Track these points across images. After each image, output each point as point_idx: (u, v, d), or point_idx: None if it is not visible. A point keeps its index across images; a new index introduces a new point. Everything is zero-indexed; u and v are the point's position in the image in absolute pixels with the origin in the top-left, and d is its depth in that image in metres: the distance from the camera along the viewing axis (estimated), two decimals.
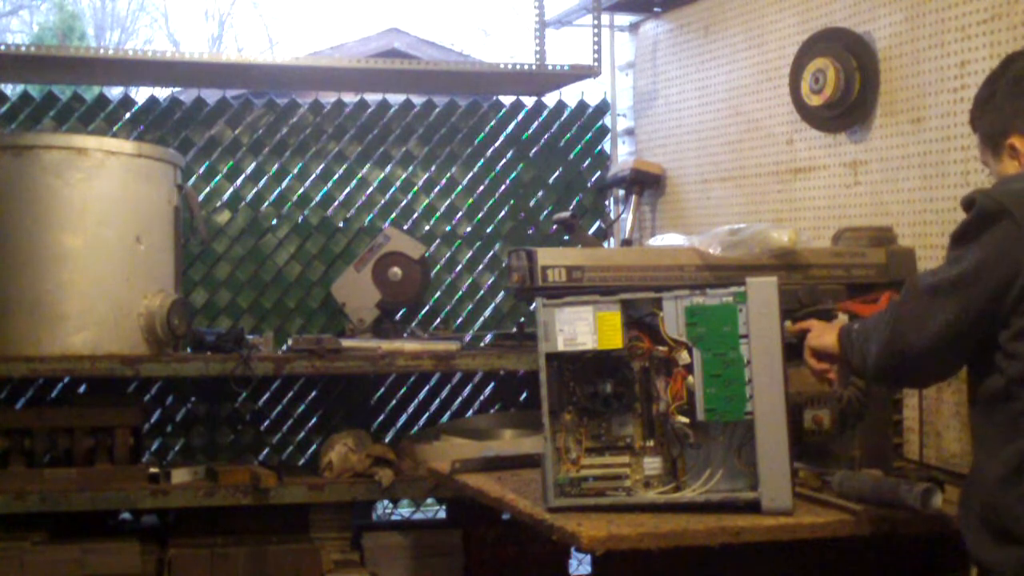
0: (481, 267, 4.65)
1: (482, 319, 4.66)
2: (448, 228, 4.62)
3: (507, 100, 4.76)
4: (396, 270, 4.21)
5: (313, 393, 4.49)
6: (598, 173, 4.77)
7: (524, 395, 4.62)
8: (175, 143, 4.35)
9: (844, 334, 2.32)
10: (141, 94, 4.57)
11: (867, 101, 3.49)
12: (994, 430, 2.03)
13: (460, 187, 4.64)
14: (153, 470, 3.77)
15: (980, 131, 2.23)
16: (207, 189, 4.41)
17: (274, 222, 4.46)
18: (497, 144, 4.70)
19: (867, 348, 2.20)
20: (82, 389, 4.19)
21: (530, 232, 4.69)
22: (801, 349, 2.57)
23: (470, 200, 4.65)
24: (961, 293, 2.03)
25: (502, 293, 4.64)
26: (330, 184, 4.52)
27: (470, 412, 4.59)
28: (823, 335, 2.42)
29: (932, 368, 2.15)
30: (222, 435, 4.39)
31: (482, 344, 4.32)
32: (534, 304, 2.55)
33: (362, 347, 3.87)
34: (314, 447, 4.43)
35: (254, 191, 4.46)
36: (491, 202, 4.68)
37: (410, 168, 4.60)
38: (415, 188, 4.60)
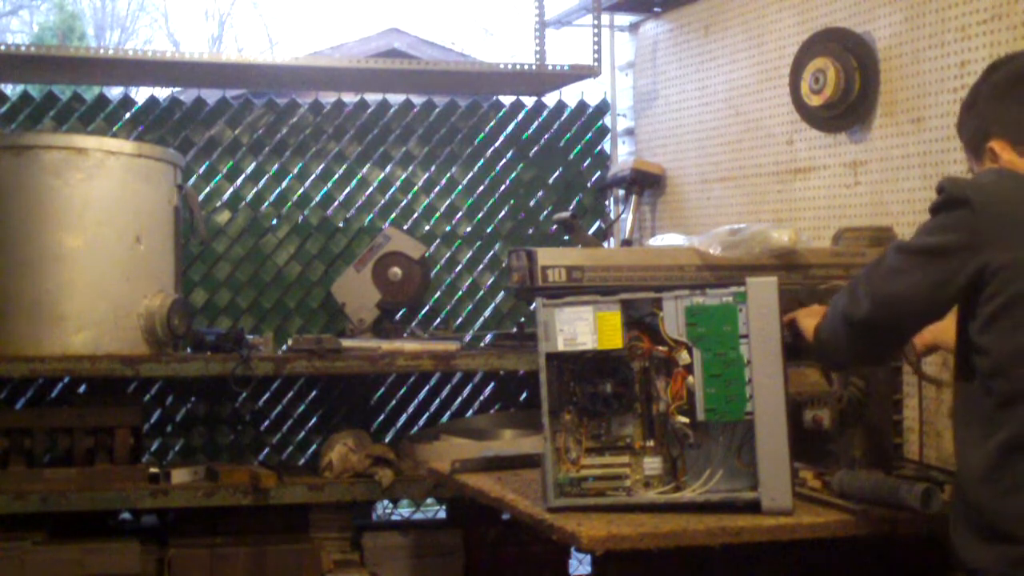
0: (481, 267, 4.65)
1: (482, 319, 4.66)
2: (448, 228, 4.62)
3: (507, 100, 4.76)
4: (396, 270, 4.21)
5: (313, 393, 4.49)
6: (598, 173, 4.77)
7: (524, 395, 4.62)
8: (175, 143, 4.35)
9: (818, 327, 2.36)
10: (141, 94, 4.57)
11: (867, 101, 3.49)
12: (974, 428, 2.04)
13: (460, 187, 4.64)
14: (153, 470, 3.77)
15: (964, 137, 2.26)
16: (207, 189, 4.41)
17: (274, 222, 4.46)
18: (497, 144, 4.70)
19: (836, 323, 2.24)
20: (82, 389, 4.18)
21: (530, 232, 4.69)
22: (801, 349, 2.57)
23: (470, 200, 4.65)
24: (925, 263, 2.07)
25: (502, 293, 4.64)
26: (330, 184, 4.52)
27: (470, 412, 4.59)
28: (808, 318, 2.47)
29: (892, 326, 2.17)
30: (222, 435, 4.39)
31: (482, 344, 4.32)
32: (534, 304, 2.54)
33: (362, 347, 3.87)
34: (314, 447, 4.43)
35: (254, 191, 4.46)
36: (491, 202, 4.68)
37: (410, 168, 4.60)
38: (415, 188, 4.61)
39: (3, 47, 3.98)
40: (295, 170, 4.49)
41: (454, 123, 4.65)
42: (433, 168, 4.62)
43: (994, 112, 2.17)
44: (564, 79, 4.51)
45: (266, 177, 4.47)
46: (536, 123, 4.74)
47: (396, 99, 4.65)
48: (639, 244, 4.55)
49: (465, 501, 3.12)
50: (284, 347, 4.17)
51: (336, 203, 4.53)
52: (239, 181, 4.46)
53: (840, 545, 2.45)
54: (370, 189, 4.55)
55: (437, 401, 4.62)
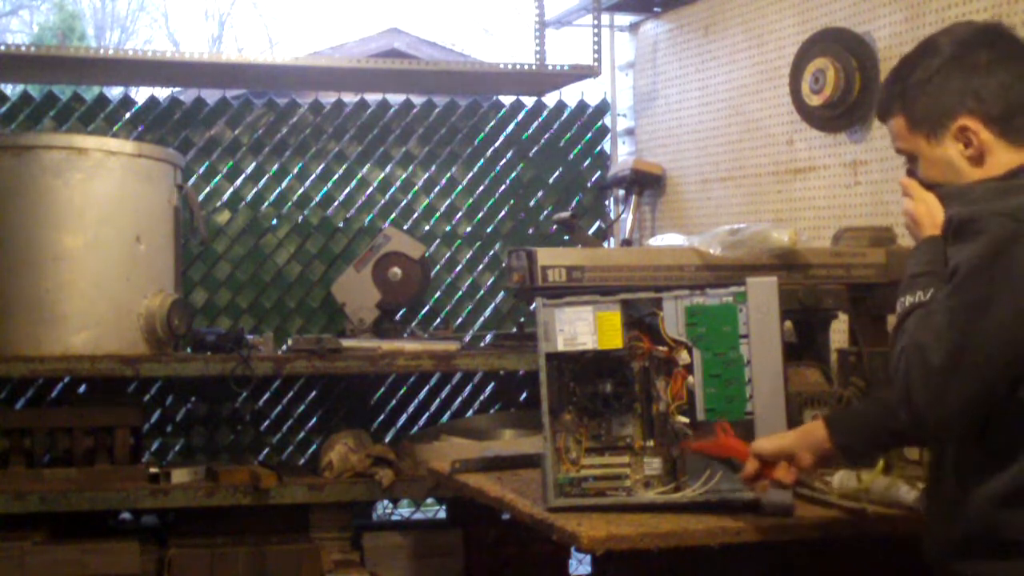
0: (481, 267, 4.65)
1: (482, 319, 4.66)
2: (448, 228, 4.62)
3: (507, 100, 4.76)
4: (396, 270, 4.21)
5: (313, 393, 4.49)
6: (598, 173, 4.77)
7: (524, 395, 4.62)
8: (175, 143, 4.35)
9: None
10: (141, 94, 4.57)
11: (867, 101, 3.48)
12: (988, 453, 1.95)
13: (460, 187, 4.64)
14: (153, 470, 3.76)
15: (908, 114, 2.03)
16: (207, 189, 4.41)
17: (274, 222, 4.46)
18: (497, 144, 4.70)
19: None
20: (82, 389, 4.18)
21: (530, 232, 4.69)
22: (801, 348, 2.56)
23: (470, 200, 4.65)
24: (991, 360, 1.80)
25: (502, 293, 4.64)
26: (330, 184, 4.52)
27: (470, 412, 4.58)
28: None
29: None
30: (222, 435, 4.39)
31: (482, 344, 4.32)
32: (534, 304, 2.54)
33: (362, 347, 3.87)
34: (314, 447, 4.43)
35: (254, 191, 4.46)
36: (491, 202, 4.68)
37: (410, 168, 4.60)
38: (415, 188, 4.61)
39: (3, 47, 3.98)
40: (295, 170, 4.49)
41: (454, 123, 4.65)
42: (433, 168, 4.62)
43: (963, 84, 1.96)
44: (564, 79, 4.51)
45: (266, 177, 4.47)
46: (536, 123, 4.74)
47: (396, 99, 4.65)
48: (639, 244, 4.55)
49: (465, 501, 3.12)
50: (284, 347, 4.16)
51: (336, 203, 4.53)
52: (239, 181, 4.46)
53: (840, 545, 2.45)
54: (370, 189, 4.55)
55: (437, 401, 4.61)
